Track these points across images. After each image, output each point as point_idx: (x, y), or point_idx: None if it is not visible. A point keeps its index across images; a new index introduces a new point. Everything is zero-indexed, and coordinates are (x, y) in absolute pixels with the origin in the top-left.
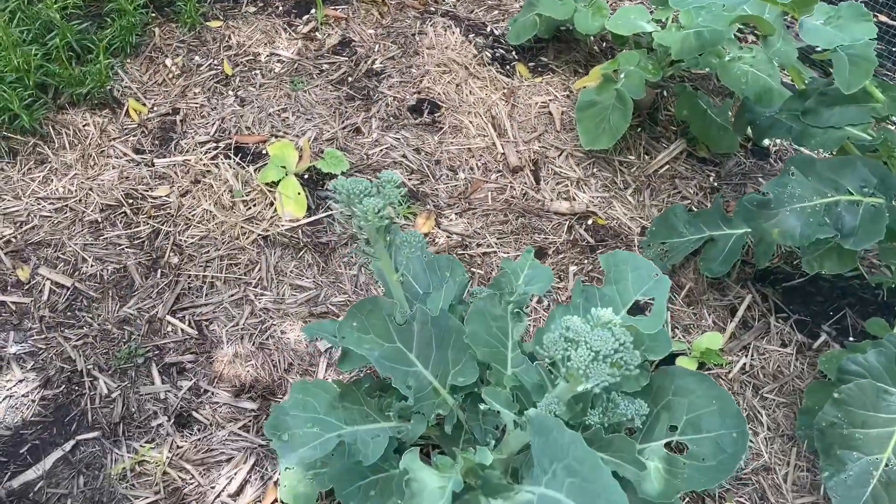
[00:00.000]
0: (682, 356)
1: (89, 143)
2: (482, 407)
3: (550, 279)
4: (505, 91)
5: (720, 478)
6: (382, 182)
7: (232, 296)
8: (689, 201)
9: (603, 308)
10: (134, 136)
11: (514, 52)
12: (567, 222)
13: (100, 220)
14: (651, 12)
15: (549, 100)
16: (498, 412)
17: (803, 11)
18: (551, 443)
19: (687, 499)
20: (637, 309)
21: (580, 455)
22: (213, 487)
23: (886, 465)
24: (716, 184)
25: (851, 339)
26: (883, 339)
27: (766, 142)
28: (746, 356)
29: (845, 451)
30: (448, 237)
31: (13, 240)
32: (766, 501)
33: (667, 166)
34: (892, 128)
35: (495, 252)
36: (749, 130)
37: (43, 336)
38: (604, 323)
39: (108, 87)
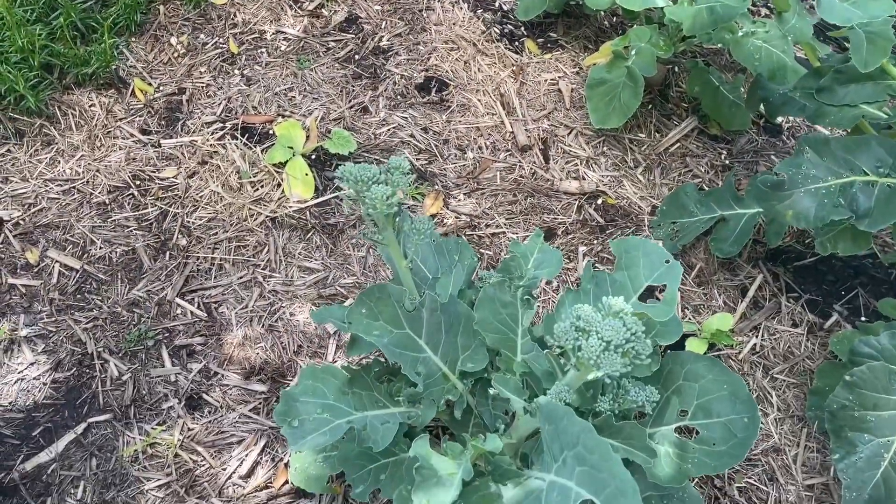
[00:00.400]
0: (693, 337)
1: (95, 124)
2: (492, 392)
3: (560, 263)
4: (514, 68)
5: (731, 463)
6: (390, 169)
7: (241, 278)
8: (700, 179)
9: (614, 295)
10: (140, 116)
11: (522, 28)
12: (576, 202)
13: (107, 201)
14: None
15: (559, 77)
16: (508, 398)
17: None
18: (561, 431)
19: (697, 479)
20: (648, 294)
21: (590, 444)
22: (224, 469)
23: None
24: (727, 161)
25: (864, 318)
26: (895, 321)
27: (780, 119)
28: (757, 336)
29: (856, 433)
30: (456, 218)
31: (21, 222)
32: (776, 482)
33: (678, 144)
34: None
35: (504, 233)
36: (762, 107)
37: (53, 319)
38: (615, 312)
39: (114, 67)
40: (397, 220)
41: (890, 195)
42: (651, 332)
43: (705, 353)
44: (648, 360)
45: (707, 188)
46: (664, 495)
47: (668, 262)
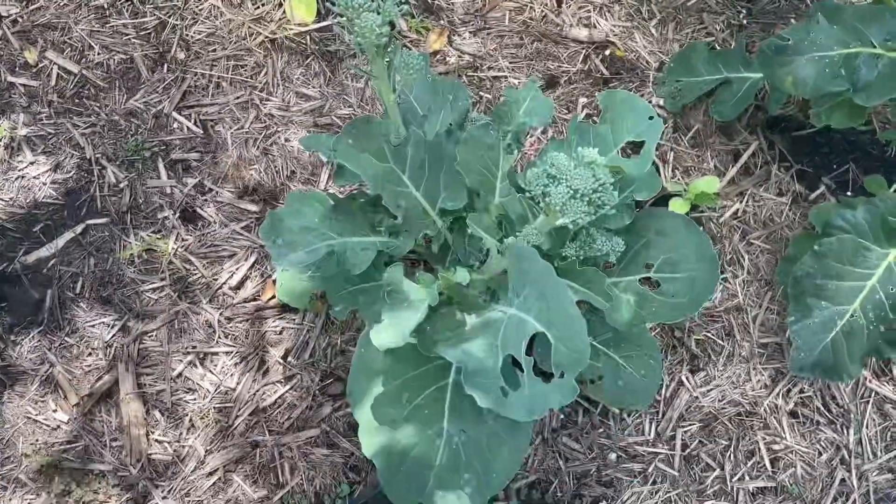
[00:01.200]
0: (677, 197)
1: None
2: (468, 231)
3: (550, 112)
4: None
5: (685, 314)
6: None
7: (238, 98)
8: (714, 38)
9: (596, 146)
10: None
11: None
12: (584, 51)
13: (106, 6)
14: None
15: None
16: (482, 237)
17: None
18: (525, 271)
19: (658, 329)
20: (633, 149)
21: (549, 284)
22: (215, 279)
23: (851, 316)
24: (745, 21)
25: (849, 193)
26: (875, 198)
27: None
28: (741, 202)
29: (815, 299)
30: (459, 57)
31: (19, 20)
32: (733, 338)
33: None
34: None
35: (506, 77)
36: None
37: (52, 121)
38: (587, 162)
39: None
40: (388, 52)
41: (893, 70)
42: (628, 187)
43: (687, 213)
44: (613, 210)
45: (720, 48)
46: (623, 339)
47: (651, 118)
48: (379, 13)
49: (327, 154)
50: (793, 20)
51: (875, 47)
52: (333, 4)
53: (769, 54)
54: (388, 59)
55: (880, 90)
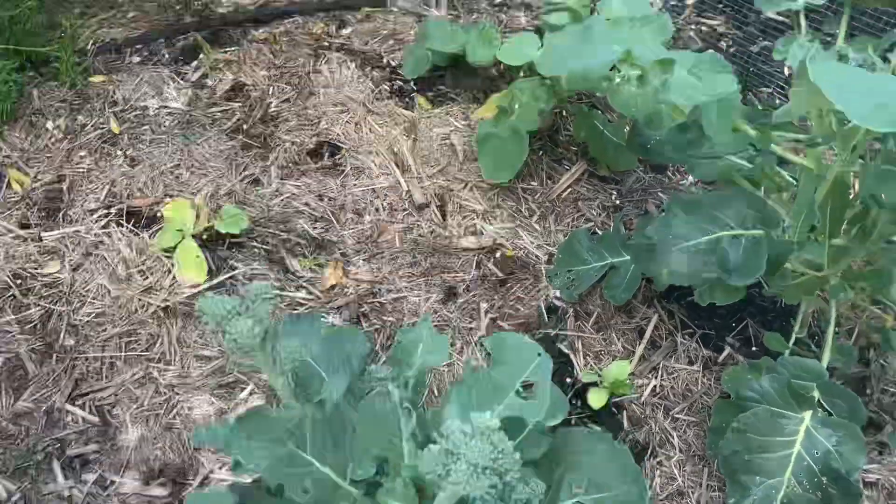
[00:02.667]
0: (594, 387)
1: None
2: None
3: (446, 349)
4: (406, 125)
5: None
6: (251, 297)
7: (134, 375)
8: (593, 223)
9: (493, 391)
10: (18, 209)
11: (412, 83)
12: (476, 257)
13: None
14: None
15: (451, 131)
16: None
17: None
18: None
19: None
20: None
21: None
22: None
23: (787, 487)
24: (618, 202)
25: (754, 348)
26: (777, 364)
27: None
28: (656, 378)
29: (748, 475)
30: (357, 286)
31: None
32: None
33: (569, 189)
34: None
35: (406, 297)
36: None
37: None
38: (481, 431)
39: None
40: (267, 343)
41: (755, 247)
42: (536, 416)
43: (607, 402)
44: (518, 473)
45: (600, 230)
46: None
47: (539, 355)
48: (250, 317)
49: (222, 450)
50: (660, 193)
51: (734, 229)
52: (200, 314)
53: (640, 252)
54: (268, 350)
55: (749, 270)
